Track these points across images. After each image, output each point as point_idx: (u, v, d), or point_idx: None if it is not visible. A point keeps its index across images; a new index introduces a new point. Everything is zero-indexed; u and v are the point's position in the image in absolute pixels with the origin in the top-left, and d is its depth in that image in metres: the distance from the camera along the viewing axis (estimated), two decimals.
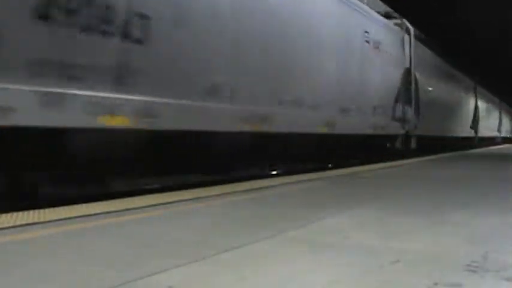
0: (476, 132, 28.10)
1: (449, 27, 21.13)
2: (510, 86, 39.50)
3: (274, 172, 9.47)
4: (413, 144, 14.64)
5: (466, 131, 25.78)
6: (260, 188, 6.13)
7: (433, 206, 4.82)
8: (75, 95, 4.55)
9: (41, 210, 4.11)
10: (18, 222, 3.58)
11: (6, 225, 3.50)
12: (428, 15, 18.85)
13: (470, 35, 22.38)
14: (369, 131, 11.65)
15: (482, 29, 21.25)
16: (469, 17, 19.67)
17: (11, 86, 4.04)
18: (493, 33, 22.04)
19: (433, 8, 18.41)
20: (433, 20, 19.44)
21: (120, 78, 5.03)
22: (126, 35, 5.06)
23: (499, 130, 40.22)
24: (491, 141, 35.39)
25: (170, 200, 4.89)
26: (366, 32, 11.61)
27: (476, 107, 28.73)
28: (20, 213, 3.94)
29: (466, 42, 23.93)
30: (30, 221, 3.64)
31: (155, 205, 4.58)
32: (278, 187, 6.35)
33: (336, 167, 10.47)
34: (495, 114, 39.00)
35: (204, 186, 6.18)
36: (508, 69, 31.17)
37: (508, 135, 49.22)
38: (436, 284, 2.24)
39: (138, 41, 5.22)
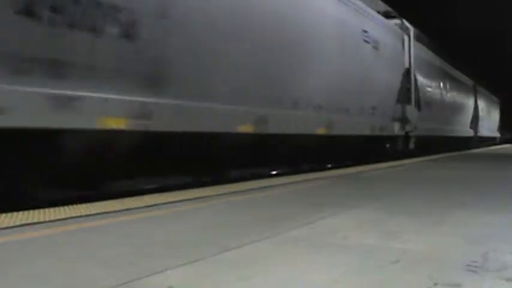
0: (408, 127, 14.92)
1: None
2: (493, 66, 30.21)
3: (274, 172, 9.47)
4: None
5: (363, 125, 11.78)
6: (260, 188, 6.13)
7: (433, 205, 4.82)
8: None
9: (41, 210, 4.11)
10: (18, 222, 3.59)
11: (6, 225, 3.50)
12: None
13: None
14: None
15: None
16: None
17: None
18: None
19: None
20: None
21: None
22: None
23: (473, 127, 28.00)
24: (456, 142, 23.63)
25: (170, 200, 4.90)
26: None
27: (410, 82, 15.23)
28: (20, 213, 3.94)
29: None
30: (30, 221, 3.64)
31: (155, 205, 4.58)
32: (278, 187, 6.35)
33: (336, 167, 10.47)
34: (466, 103, 26.59)
35: (204, 186, 6.18)
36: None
37: (494, 135, 37.50)
38: (436, 284, 2.24)
39: None
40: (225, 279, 2.33)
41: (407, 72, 15.20)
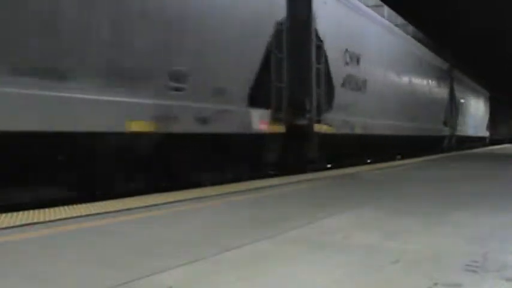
0: (303, 120, 9.18)
1: None
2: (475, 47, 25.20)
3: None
4: None
5: (121, 112, 5.44)
6: (260, 188, 6.13)
7: (433, 206, 4.82)
8: None
9: (41, 210, 4.11)
10: (18, 222, 3.59)
11: (6, 225, 3.50)
12: None
13: None
14: None
15: None
16: None
17: None
18: None
19: None
20: None
21: None
22: None
23: (449, 123, 21.29)
24: (418, 143, 17.11)
25: (170, 200, 4.89)
26: None
27: (307, 47, 9.48)
28: (20, 213, 3.94)
29: None
30: (30, 221, 3.64)
31: (155, 205, 4.58)
32: (278, 187, 6.34)
33: (336, 167, 10.46)
34: (437, 92, 19.78)
35: (204, 186, 6.18)
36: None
37: (481, 134, 30.93)
38: (436, 284, 2.24)
39: None
40: (225, 279, 2.33)
41: (300, 28, 9.09)
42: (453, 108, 22.31)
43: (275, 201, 5.17)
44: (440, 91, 20.56)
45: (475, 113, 29.27)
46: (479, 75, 30.21)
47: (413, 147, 16.44)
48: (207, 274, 2.42)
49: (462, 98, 24.76)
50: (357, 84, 11.64)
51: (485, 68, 30.59)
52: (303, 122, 9.06)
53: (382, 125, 13.09)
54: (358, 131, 11.49)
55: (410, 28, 17.39)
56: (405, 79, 15.88)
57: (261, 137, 7.91)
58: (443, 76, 21.03)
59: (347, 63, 11.12)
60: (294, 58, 8.69)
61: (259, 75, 7.73)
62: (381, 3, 14.05)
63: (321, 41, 9.67)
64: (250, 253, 2.85)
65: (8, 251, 2.89)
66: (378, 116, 12.82)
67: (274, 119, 8.05)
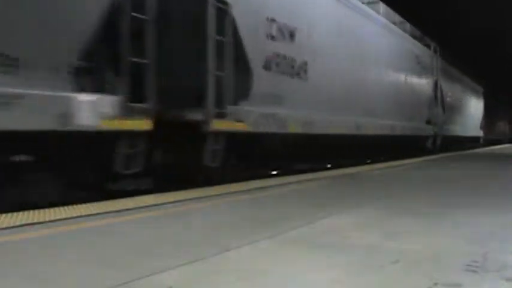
0: (198, 114, 6.23)
1: None
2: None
3: (274, 172, 9.46)
4: None
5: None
6: (260, 188, 6.13)
7: (433, 206, 4.82)
8: None
9: (41, 210, 4.11)
10: (18, 222, 3.59)
11: (6, 225, 3.50)
12: None
13: None
14: None
15: None
16: None
17: None
18: None
19: None
20: None
21: None
22: None
23: (431, 121, 18.30)
24: (390, 147, 14.13)
25: (170, 200, 4.89)
26: None
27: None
28: (20, 213, 3.94)
29: None
30: (30, 221, 3.64)
31: (155, 205, 4.58)
32: (278, 187, 6.34)
33: (336, 167, 10.45)
34: (419, 83, 17.01)
35: (204, 187, 6.18)
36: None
37: (474, 134, 28.52)
38: (436, 284, 2.24)
39: None
40: (225, 279, 2.33)
41: None
42: (439, 105, 19.34)
43: (275, 201, 5.17)
44: (423, 84, 17.59)
45: (466, 110, 26.33)
46: (479, 75, 30.28)
47: (383, 149, 13.69)
48: (207, 274, 2.42)
49: (450, 93, 21.64)
50: (292, 68, 8.73)
51: (485, 68, 30.64)
52: (193, 116, 6.24)
53: (334, 122, 10.21)
54: (294, 129, 8.62)
55: (383, 7, 14.74)
56: (371, 66, 12.74)
57: (102, 136, 5.14)
58: (427, 67, 18.12)
59: (272, 37, 8.18)
60: (173, 24, 5.97)
61: (99, 45, 5.03)
62: None
63: (226, 3, 6.89)
64: (250, 253, 2.85)
65: (8, 251, 2.89)
66: (329, 111, 9.96)
67: (131, 111, 5.29)
